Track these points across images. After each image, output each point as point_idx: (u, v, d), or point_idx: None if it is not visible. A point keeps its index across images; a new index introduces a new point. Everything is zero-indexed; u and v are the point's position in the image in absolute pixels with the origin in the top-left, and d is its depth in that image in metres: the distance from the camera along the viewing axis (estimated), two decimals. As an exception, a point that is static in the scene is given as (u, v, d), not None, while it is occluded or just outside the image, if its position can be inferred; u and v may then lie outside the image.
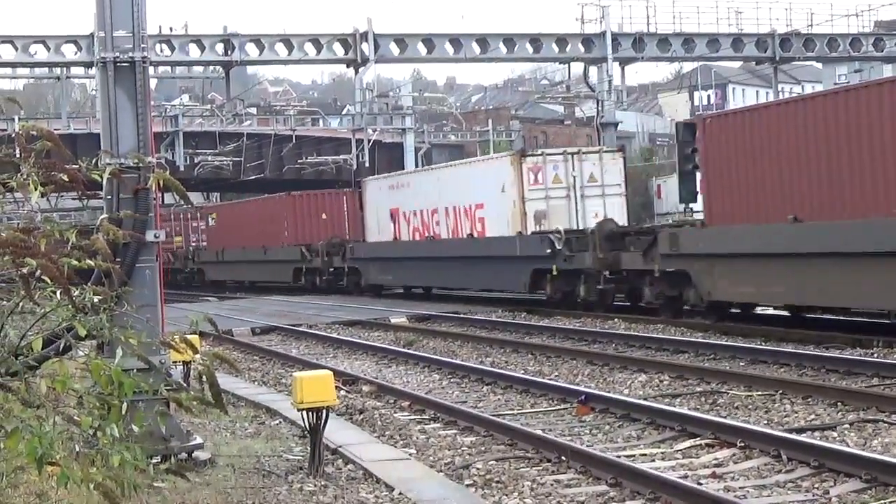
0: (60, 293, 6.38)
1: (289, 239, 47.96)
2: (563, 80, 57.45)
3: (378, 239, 41.33)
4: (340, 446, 12.39)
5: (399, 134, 63.39)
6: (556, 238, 30.13)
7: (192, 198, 13.39)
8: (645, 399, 15.36)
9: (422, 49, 44.81)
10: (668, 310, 25.87)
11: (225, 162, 64.58)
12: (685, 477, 10.72)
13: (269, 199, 53.26)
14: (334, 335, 27.42)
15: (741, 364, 18.61)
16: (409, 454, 12.61)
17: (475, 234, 34.90)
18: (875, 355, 18.37)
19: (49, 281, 6.24)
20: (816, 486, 10.27)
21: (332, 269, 44.30)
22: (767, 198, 22.53)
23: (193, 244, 60.37)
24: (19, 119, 40.86)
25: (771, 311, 25.24)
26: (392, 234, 40.28)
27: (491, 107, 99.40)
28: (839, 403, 14.14)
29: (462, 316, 30.57)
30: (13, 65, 45.88)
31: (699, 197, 26.51)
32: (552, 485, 10.84)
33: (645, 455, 12.12)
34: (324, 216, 47.62)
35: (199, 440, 11.62)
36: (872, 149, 19.94)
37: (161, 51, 42.35)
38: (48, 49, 41.17)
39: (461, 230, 35.89)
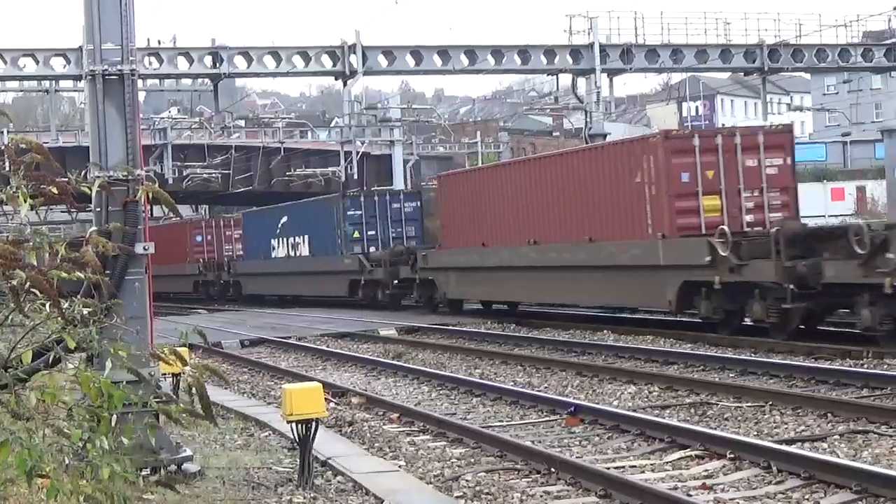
0: (50, 305, 6.38)
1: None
2: (552, 92, 57.44)
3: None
4: (330, 458, 12.37)
5: (387, 146, 63.41)
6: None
7: (180, 210, 13.37)
8: (634, 410, 15.35)
9: (410, 61, 44.81)
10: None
11: (213, 174, 64.57)
12: (675, 488, 10.71)
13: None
14: (323, 347, 27.38)
15: (731, 375, 18.61)
16: (399, 466, 12.59)
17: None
18: (864, 366, 18.39)
19: (39, 293, 6.24)
20: (807, 497, 10.27)
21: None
22: None
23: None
24: (8, 132, 40.86)
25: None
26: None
27: (479, 119, 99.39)
28: (829, 414, 14.14)
29: (451, 328, 30.50)
30: (2, 78, 45.86)
31: None
32: (542, 496, 10.83)
33: (634, 466, 12.11)
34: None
35: (188, 452, 11.59)
36: None
37: (149, 63, 42.32)
38: (37, 62, 41.12)
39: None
